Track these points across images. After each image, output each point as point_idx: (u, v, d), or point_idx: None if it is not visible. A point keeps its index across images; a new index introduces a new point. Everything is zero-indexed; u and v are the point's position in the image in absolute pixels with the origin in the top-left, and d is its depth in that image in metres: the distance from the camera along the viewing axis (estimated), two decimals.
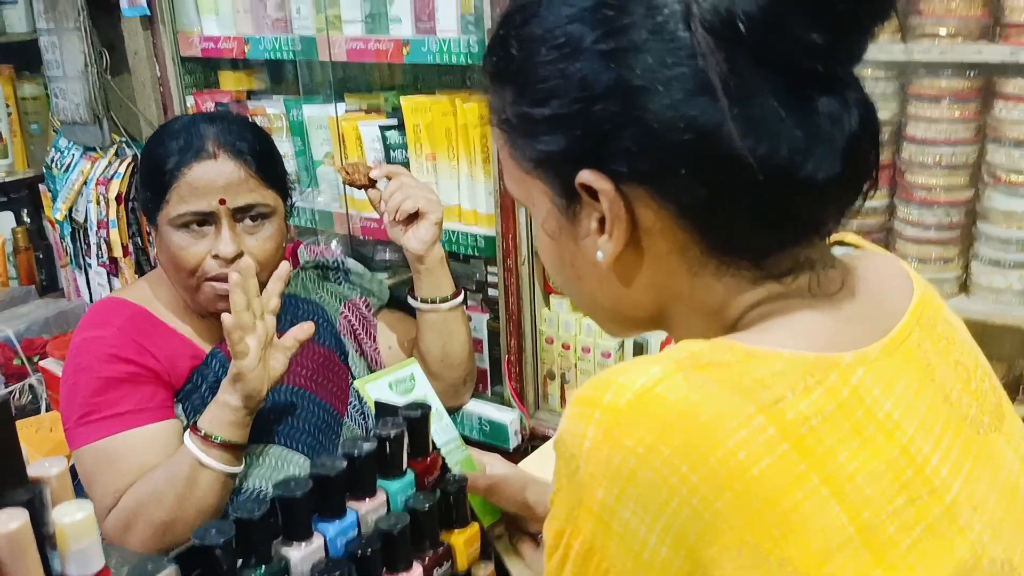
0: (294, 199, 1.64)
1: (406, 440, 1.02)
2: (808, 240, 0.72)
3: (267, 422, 1.55)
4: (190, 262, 1.49)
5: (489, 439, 2.10)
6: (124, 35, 2.65)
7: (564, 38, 0.68)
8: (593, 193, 0.69)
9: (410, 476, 1.03)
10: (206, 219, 1.48)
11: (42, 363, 2.81)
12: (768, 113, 0.64)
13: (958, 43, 1.55)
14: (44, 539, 0.63)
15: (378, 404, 1.10)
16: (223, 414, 1.39)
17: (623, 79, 0.65)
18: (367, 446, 0.97)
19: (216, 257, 1.48)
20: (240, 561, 0.85)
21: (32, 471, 0.64)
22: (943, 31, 1.54)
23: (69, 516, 0.63)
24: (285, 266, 1.44)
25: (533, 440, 2.10)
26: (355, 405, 1.67)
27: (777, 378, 0.63)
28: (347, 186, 1.66)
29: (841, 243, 0.85)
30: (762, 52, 0.63)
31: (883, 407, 0.66)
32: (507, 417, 2.11)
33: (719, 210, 0.67)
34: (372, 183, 1.65)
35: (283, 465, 1.54)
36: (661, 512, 0.60)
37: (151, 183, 1.53)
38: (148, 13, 2.49)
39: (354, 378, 1.67)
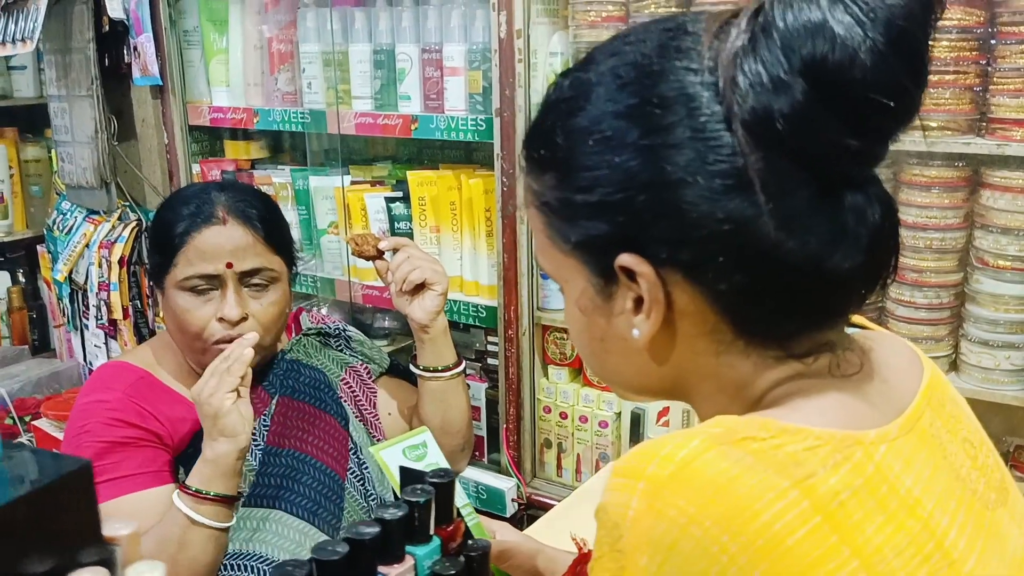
0: (299, 267, 1.69)
1: (433, 506, 1.05)
2: (830, 325, 0.77)
3: (269, 487, 1.56)
4: (195, 325, 1.52)
5: (486, 506, 2.12)
6: (133, 103, 2.71)
7: (610, 132, 0.72)
8: (631, 275, 0.73)
9: (436, 542, 1.06)
10: (212, 282, 1.52)
11: (35, 423, 2.81)
12: (801, 208, 0.68)
13: (947, 135, 1.63)
14: None
15: (403, 470, 1.14)
16: (212, 468, 1.39)
17: (665, 173, 0.70)
18: (398, 512, 1.00)
19: (221, 320, 1.52)
20: None
21: (106, 531, 0.68)
22: (933, 124, 1.62)
23: (140, 574, 0.67)
24: (252, 334, 1.47)
25: (529, 508, 2.13)
26: (354, 471, 1.69)
27: (808, 454, 0.66)
28: (355, 256, 1.70)
29: (849, 324, 0.90)
30: (797, 152, 0.67)
31: (904, 483, 0.70)
32: (504, 485, 2.13)
33: (751, 296, 0.71)
34: (380, 254, 1.69)
35: (285, 531, 1.55)
36: None
37: (160, 247, 1.56)
38: (160, 83, 2.56)
39: (354, 444, 1.69)
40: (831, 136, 0.67)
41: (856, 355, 0.78)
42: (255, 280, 1.54)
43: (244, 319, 1.53)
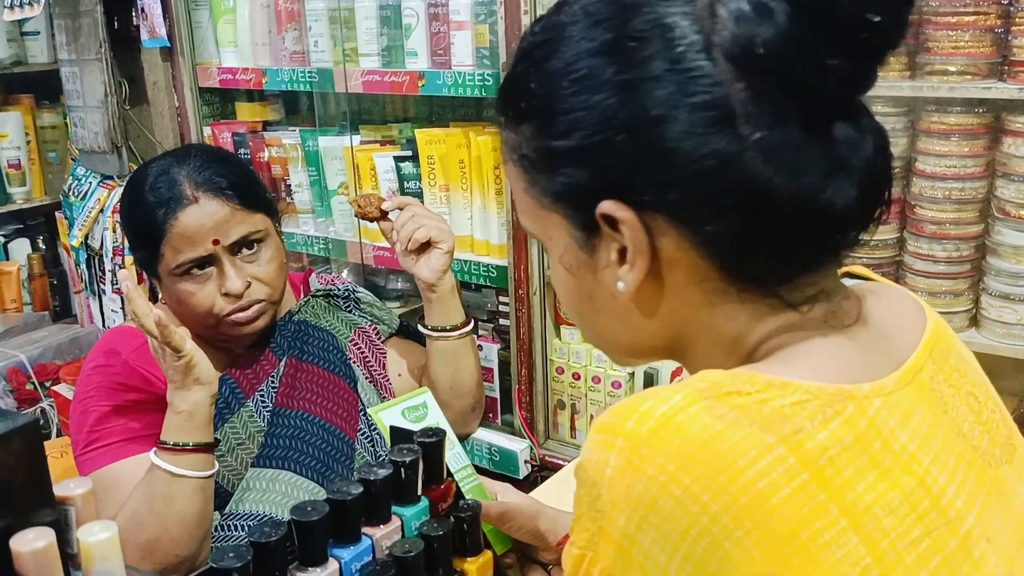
0: (281, 211, 1.66)
1: (421, 466, 1.03)
2: (825, 267, 0.72)
3: (278, 448, 1.56)
4: (203, 305, 1.51)
5: (499, 468, 2.11)
6: (144, 66, 2.69)
7: (585, 70, 0.69)
8: (613, 224, 0.70)
9: (424, 503, 1.04)
10: (205, 262, 1.50)
11: (54, 388, 2.83)
12: (789, 141, 0.65)
13: (967, 80, 1.57)
14: (68, 558, 0.64)
15: (393, 429, 1.12)
16: (188, 419, 1.37)
17: (644, 109, 0.66)
18: (383, 472, 0.98)
19: (227, 295, 1.51)
20: None
21: (58, 491, 0.66)
22: (952, 68, 1.56)
23: (93, 536, 0.65)
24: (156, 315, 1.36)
25: (543, 470, 2.11)
26: (364, 432, 1.68)
27: (796, 408, 0.63)
28: (359, 218, 1.68)
29: (850, 275, 0.86)
30: (782, 80, 0.64)
31: (899, 439, 0.66)
32: (517, 446, 2.11)
33: (740, 238, 0.68)
34: (384, 215, 1.67)
35: (294, 492, 1.55)
36: (681, 540, 0.60)
37: (141, 241, 1.54)
38: (168, 45, 2.53)
39: (363, 404, 1.69)
40: (818, 59, 0.63)
41: (853, 305, 0.74)
42: (245, 246, 1.53)
43: (248, 286, 1.52)
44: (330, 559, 0.94)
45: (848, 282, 0.82)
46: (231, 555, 0.83)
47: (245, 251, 1.53)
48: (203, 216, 1.49)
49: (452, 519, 1.05)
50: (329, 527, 0.93)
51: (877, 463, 0.64)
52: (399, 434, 1.10)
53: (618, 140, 0.68)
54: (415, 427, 1.28)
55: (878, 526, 0.62)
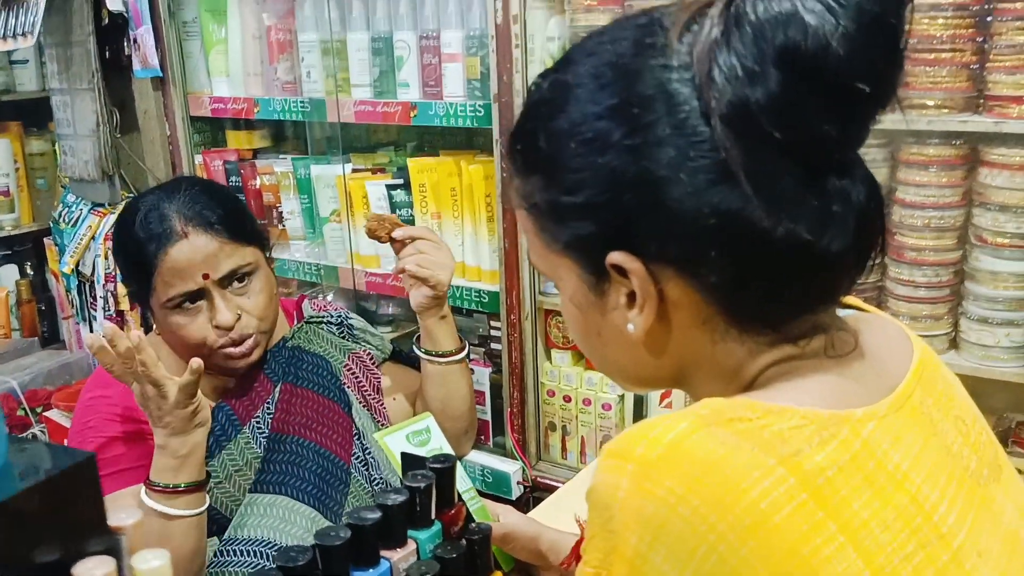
0: (272, 243, 1.69)
1: (434, 491, 1.07)
2: (822, 308, 0.77)
3: (275, 474, 1.58)
4: (195, 337, 1.53)
5: (492, 489, 2.15)
6: (135, 95, 2.73)
7: (591, 133, 0.73)
8: (622, 271, 0.74)
9: (437, 526, 1.08)
10: (196, 296, 1.53)
11: (46, 414, 2.84)
12: (786, 196, 0.69)
13: (944, 113, 1.63)
14: None
15: (404, 456, 1.15)
16: (182, 460, 1.40)
17: (649, 171, 0.70)
18: (399, 497, 1.02)
19: (218, 327, 1.54)
20: None
21: (111, 521, 0.69)
22: (930, 102, 1.63)
23: (147, 563, 0.68)
24: (195, 361, 1.42)
25: (535, 490, 2.15)
26: (358, 456, 1.70)
27: (794, 432, 0.68)
28: (368, 237, 1.70)
29: (844, 305, 0.91)
30: (777, 141, 0.68)
31: (892, 459, 0.71)
32: (510, 468, 2.15)
33: (742, 285, 0.72)
34: (393, 240, 1.69)
35: (292, 516, 1.56)
36: (690, 558, 0.64)
37: (133, 275, 1.56)
38: (161, 75, 2.57)
39: (358, 429, 1.71)
40: (810, 124, 0.68)
41: (849, 336, 0.79)
42: (236, 280, 1.55)
43: (239, 319, 1.54)
44: None
45: (841, 312, 0.87)
46: None
47: (235, 284, 1.55)
48: (192, 251, 1.51)
49: (464, 542, 1.08)
50: (350, 552, 0.97)
51: (872, 482, 0.69)
52: (411, 460, 1.14)
53: (624, 198, 0.72)
54: (419, 451, 1.32)
55: (874, 541, 0.66)
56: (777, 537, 0.64)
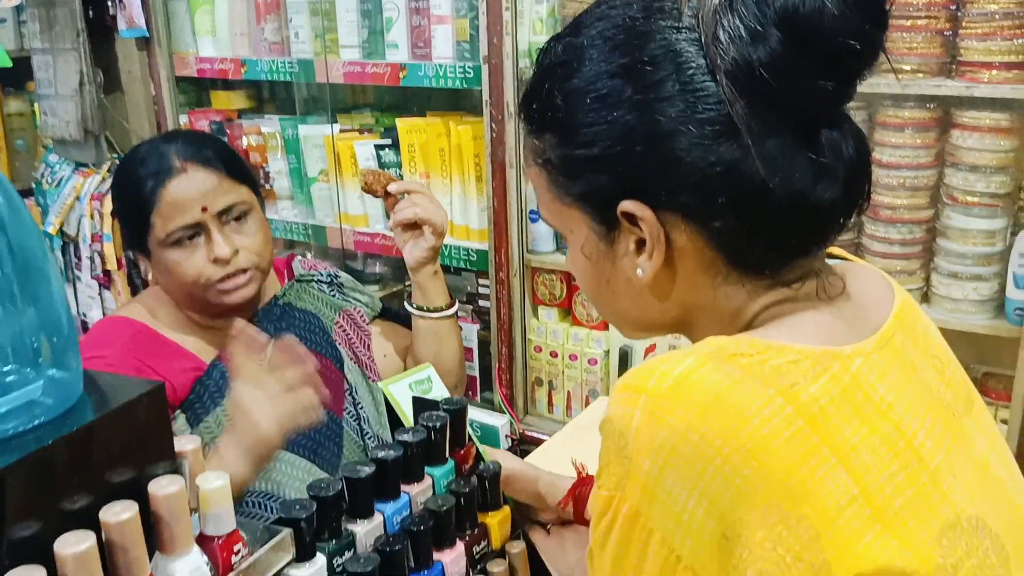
0: (263, 194, 1.73)
1: (448, 431, 1.14)
2: (815, 253, 0.85)
3: None
4: (191, 273, 1.56)
5: (481, 443, 2.19)
6: (119, 55, 2.73)
7: (605, 90, 0.79)
8: (632, 219, 0.81)
9: (451, 463, 1.15)
10: (194, 231, 1.56)
11: None
12: (784, 148, 0.76)
13: (919, 78, 1.71)
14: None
15: (415, 400, 1.22)
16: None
17: (659, 125, 0.77)
18: (417, 436, 1.09)
19: (216, 261, 1.57)
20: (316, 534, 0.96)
21: (176, 445, 0.75)
22: (906, 67, 1.70)
23: (210, 483, 0.74)
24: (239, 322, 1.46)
25: (523, 444, 2.22)
26: (349, 411, 1.75)
27: (791, 366, 0.75)
28: (363, 191, 1.74)
29: (830, 255, 0.99)
30: (777, 96, 0.75)
31: (878, 391, 0.78)
32: (498, 422, 2.21)
33: (743, 231, 0.79)
34: (388, 194, 1.74)
35: (290, 470, 1.60)
36: (699, 480, 0.71)
37: (131, 214, 1.59)
38: (147, 35, 2.58)
39: (350, 384, 1.76)
40: (806, 80, 0.74)
41: (838, 281, 0.86)
42: (232, 215, 1.58)
43: (236, 253, 1.58)
44: (375, 512, 1.04)
45: (828, 261, 0.95)
46: (297, 507, 0.93)
47: (233, 222, 1.59)
48: (191, 185, 1.55)
49: (475, 478, 1.15)
50: (374, 485, 1.04)
51: (860, 411, 0.76)
52: (422, 404, 1.20)
53: (636, 151, 0.78)
54: (428, 398, 1.38)
55: (862, 463, 0.74)
56: (776, 459, 0.71)
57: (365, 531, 1.02)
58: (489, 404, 2.28)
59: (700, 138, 0.76)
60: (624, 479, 0.75)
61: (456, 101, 2.41)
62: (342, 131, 2.42)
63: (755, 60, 0.74)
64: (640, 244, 0.82)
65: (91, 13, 2.65)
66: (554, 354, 2.20)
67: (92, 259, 2.75)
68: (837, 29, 0.73)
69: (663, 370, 0.75)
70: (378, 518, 1.04)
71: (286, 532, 0.80)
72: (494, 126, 2.06)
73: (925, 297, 1.84)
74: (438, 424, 1.12)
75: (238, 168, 1.63)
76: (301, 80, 2.44)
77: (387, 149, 2.30)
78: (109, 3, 2.61)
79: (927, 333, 0.91)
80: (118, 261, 2.71)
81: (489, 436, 2.22)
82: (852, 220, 0.84)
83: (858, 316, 0.84)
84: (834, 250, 0.97)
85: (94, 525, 0.67)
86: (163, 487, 0.70)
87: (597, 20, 0.83)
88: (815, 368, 0.76)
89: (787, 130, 0.76)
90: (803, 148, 0.77)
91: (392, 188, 1.69)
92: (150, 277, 1.66)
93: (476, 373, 2.31)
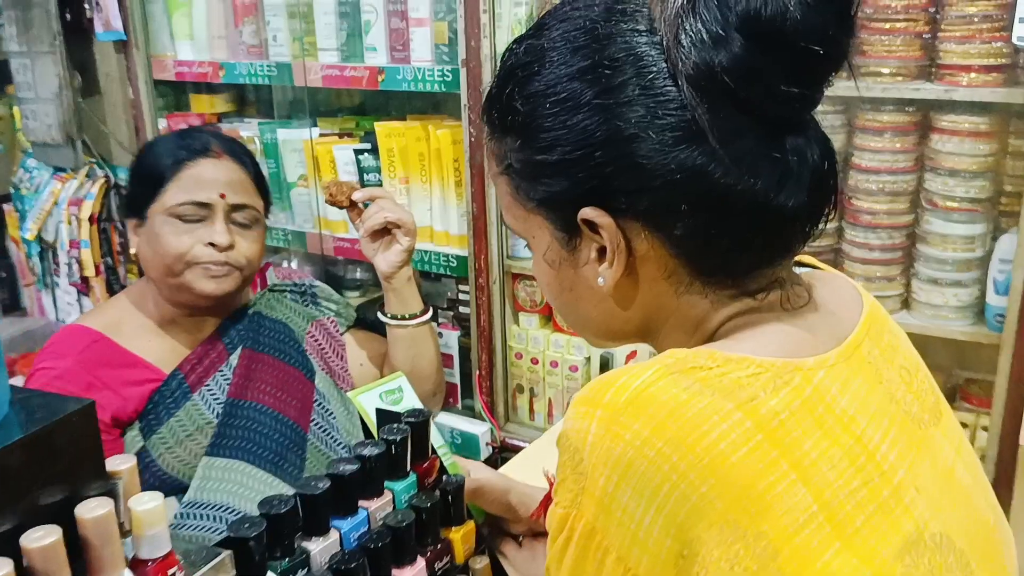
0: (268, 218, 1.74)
1: (409, 444, 1.11)
2: (779, 262, 0.83)
3: (231, 438, 1.59)
4: (179, 248, 1.55)
5: (461, 451, 2.19)
6: (97, 58, 2.70)
7: (565, 94, 0.77)
8: (593, 227, 0.79)
9: (413, 477, 1.12)
10: (202, 211, 1.56)
11: (9, 381, 2.82)
12: (747, 153, 0.74)
13: (898, 81, 1.69)
14: (118, 526, 0.71)
15: (379, 411, 1.19)
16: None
17: (619, 129, 0.75)
18: (376, 449, 1.06)
19: (210, 245, 1.56)
20: (267, 553, 0.93)
21: (109, 465, 0.73)
22: (885, 70, 1.68)
23: (143, 504, 0.72)
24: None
25: (504, 451, 2.19)
26: (318, 422, 1.73)
27: (751, 380, 0.73)
28: (328, 204, 1.74)
29: (799, 263, 0.97)
30: (739, 101, 0.73)
31: (840, 403, 0.76)
32: (478, 429, 2.20)
33: (705, 238, 0.77)
34: (353, 204, 1.73)
35: (248, 481, 1.57)
36: (655, 496, 0.69)
37: (147, 176, 1.60)
38: (124, 38, 2.55)
39: (320, 394, 1.73)
40: (769, 84, 0.72)
41: (803, 290, 0.84)
42: (241, 217, 1.60)
43: (231, 248, 1.57)
44: (331, 529, 1.01)
45: (797, 270, 0.93)
46: (247, 525, 0.90)
47: (239, 222, 1.60)
48: (220, 170, 1.59)
49: (438, 492, 1.13)
50: (330, 501, 1.01)
51: (821, 424, 0.74)
52: (385, 415, 1.18)
53: (595, 156, 0.76)
54: (394, 409, 1.36)
55: (822, 478, 0.72)
56: (734, 475, 0.69)
57: (320, 548, 0.99)
58: (470, 411, 2.26)
59: (661, 143, 0.74)
60: (579, 495, 0.73)
61: (436, 104, 2.39)
62: (322, 135, 2.40)
63: (717, 64, 0.72)
64: (601, 252, 0.80)
65: (68, 15, 2.63)
66: (535, 361, 2.18)
67: (70, 265, 2.72)
68: (800, 33, 0.71)
69: (621, 383, 0.73)
70: (334, 535, 1.01)
71: (225, 554, 0.77)
72: (472, 130, 2.03)
73: (905, 303, 1.81)
74: (398, 437, 1.09)
75: (262, 180, 1.67)
76: (279, 83, 2.42)
77: (366, 154, 2.28)
78: (86, 5, 2.59)
79: (895, 342, 0.89)
80: (96, 267, 2.68)
81: (469, 444, 2.20)
82: (819, 228, 0.82)
83: (824, 325, 0.83)
84: (803, 258, 0.96)
85: (17, 552, 0.64)
86: (91, 510, 0.67)
87: (559, 22, 0.81)
88: (775, 381, 0.74)
89: (750, 135, 0.74)
90: (767, 154, 0.75)
91: (356, 196, 1.68)
92: (132, 251, 1.65)
93: (457, 380, 2.29)
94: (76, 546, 0.67)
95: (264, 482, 1.58)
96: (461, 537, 1.15)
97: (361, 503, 1.06)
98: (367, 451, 1.06)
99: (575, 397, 0.76)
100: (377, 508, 1.07)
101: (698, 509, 0.68)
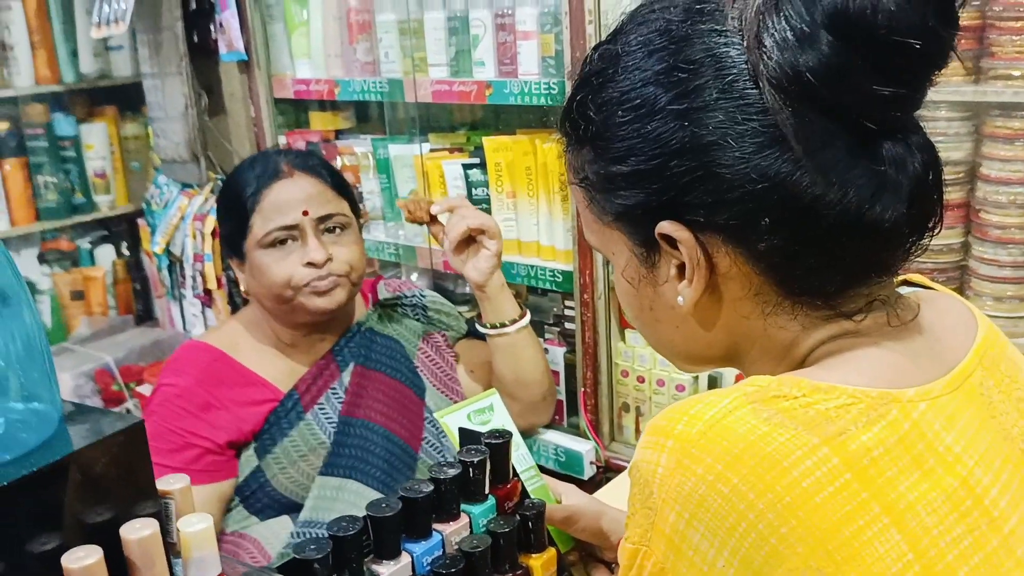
0: (363, 220, 1.74)
1: (488, 466, 1.08)
2: (877, 279, 0.75)
3: (343, 457, 1.61)
4: (282, 275, 1.57)
5: (564, 469, 2.15)
6: (221, 78, 2.80)
7: (639, 100, 0.73)
8: (672, 242, 0.74)
9: (491, 501, 1.09)
10: (292, 233, 1.57)
11: (138, 389, 2.95)
12: (837, 161, 0.68)
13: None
14: (169, 547, 0.71)
15: (461, 431, 1.17)
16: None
17: (697, 136, 0.70)
18: (452, 471, 1.03)
19: (309, 265, 1.57)
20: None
21: (160, 485, 0.72)
22: (1016, 72, 1.55)
23: (192, 526, 0.71)
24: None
25: (608, 471, 2.14)
26: (429, 441, 1.72)
27: (841, 411, 0.66)
28: (409, 223, 1.72)
29: (908, 283, 0.89)
30: (827, 104, 0.67)
31: (944, 440, 0.69)
32: (582, 447, 2.15)
33: (792, 254, 0.71)
34: (433, 219, 1.71)
35: (359, 500, 1.58)
36: (729, 536, 0.63)
37: (232, 215, 1.63)
38: (245, 58, 2.63)
39: (429, 413, 1.73)
40: (861, 85, 0.66)
41: (908, 313, 0.77)
42: (331, 225, 1.61)
43: (329, 260, 1.58)
44: (403, 553, 0.99)
45: (905, 290, 0.85)
46: (312, 547, 0.89)
47: (330, 232, 1.61)
48: (296, 188, 1.60)
49: (518, 517, 1.09)
50: (402, 523, 0.99)
51: (920, 463, 0.67)
52: (467, 435, 1.15)
53: (671, 165, 0.71)
54: (482, 429, 1.33)
55: (920, 524, 0.65)
56: (818, 517, 0.63)
57: (391, 572, 0.97)
58: (575, 429, 2.21)
59: (742, 150, 0.69)
60: (649, 531, 0.68)
61: (544, 118, 2.36)
62: (432, 150, 2.41)
63: (803, 65, 0.66)
64: (681, 269, 0.75)
65: (196, 37, 2.73)
66: (641, 379, 2.12)
67: (194, 278, 2.82)
68: (894, 27, 0.65)
69: (694, 412, 0.68)
70: (406, 559, 0.99)
71: None
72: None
73: None
74: (476, 459, 1.06)
75: (341, 182, 1.68)
76: (390, 99, 2.44)
77: (475, 168, 2.27)
78: (212, 27, 2.68)
79: (1014, 372, 0.80)
80: (218, 280, 2.76)
81: (573, 462, 2.15)
82: (922, 245, 0.75)
83: (929, 353, 0.75)
84: (912, 277, 0.88)
85: (60, 572, 0.64)
86: (136, 531, 0.67)
87: (637, 25, 0.76)
88: (869, 414, 0.67)
89: (840, 142, 0.68)
90: (859, 162, 0.68)
91: (434, 210, 1.66)
92: (242, 288, 1.68)
93: (563, 397, 2.24)
94: (120, 567, 0.67)
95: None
96: (541, 564, 1.12)
97: (436, 526, 1.03)
98: (443, 473, 1.04)
99: (648, 424, 0.71)
100: (452, 532, 1.04)
101: (776, 553, 0.63)
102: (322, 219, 1.60)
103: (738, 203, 0.70)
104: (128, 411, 2.95)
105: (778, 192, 0.69)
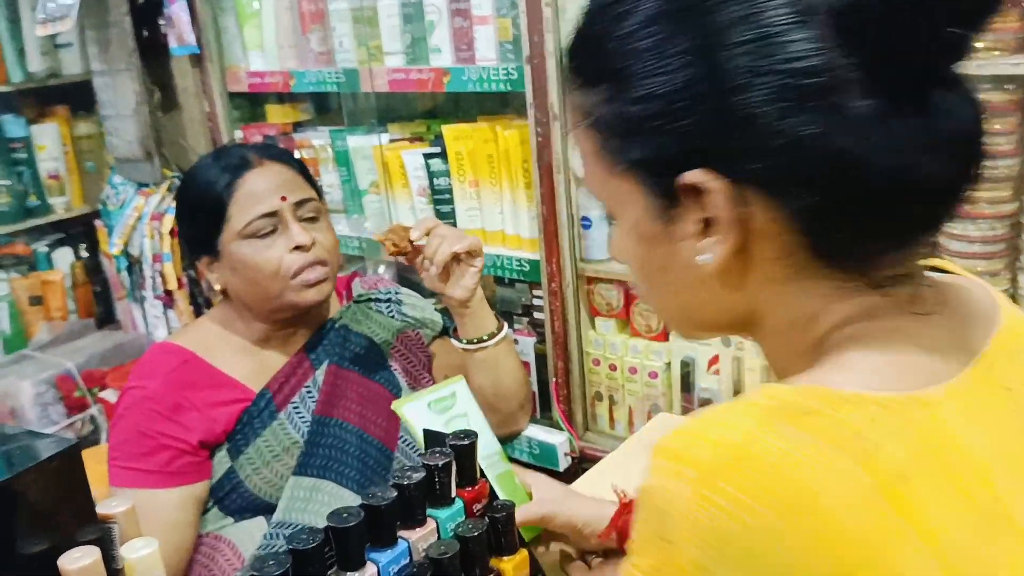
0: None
1: (454, 468, 1.04)
2: (916, 241, 0.69)
3: (317, 457, 1.57)
4: (269, 266, 1.53)
5: (539, 461, 2.12)
6: (174, 73, 2.73)
7: (666, 33, 0.65)
8: (697, 194, 0.66)
9: (459, 504, 1.05)
10: (272, 221, 1.54)
11: (101, 394, 2.88)
12: (883, 111, 0.62)
13: (995, 56, 1.54)
14: (114, 574, 0.66)
15: (426, 433, 1.13)
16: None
17: (728, 75, 0.63)
18: (416, 475, 1.00)
19: (296, 249, 1.53)
20: None
21: (101, 509, 0.68)
22: (979, 44, 1.53)
23: (136, 552, 0.67)
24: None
25: (583, 461, 2.11)
26: (406, 440, 1.68)
27: (872, 426, 0.61)
28: (393, 257, 1.64)
29: (932, 268, 0.83)
30: (878, 46, 0.61)
31: (972, 447, 0.64)
32: (556, 439, 2.12)
33: (833, 211, 0.64)
34: (415, 247, 1.62)
35: (333, 502, 1.53)
36: (757, 571, 0.58)
37: (201, 212, 1.57)
38: (197, 51, 2.56)
39: None
40: (917, 24, 0.60)
41: (933, 294, 0.71)
42: (307, 212, 1.59)
43: (314, 243, 1.55)
44: (368, 563, 0.95)
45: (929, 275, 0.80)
46: (271, 563, 0.85)
47: (307, 220, 1.59)
48: (269, 176, 1.57)
49: (487, 519, 1.06)
50: (366, 532, 0.95)
51: (952, 475, 0.62)
52: (432, 437, 1.11)
53: (703, 107, 0.64)
54: (442, 418, 1.29)
55: (954, 548, 0.61)
56: (855, 550, 0.58)
57: None
58: (548, 420, 2.18)
59: (779, 93, 0.61)
60: (665, 565, 0.62)
61: (504, 104, 2.32)
62: (392, 141, 2.36)
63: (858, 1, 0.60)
64: (705, 224, 0.67)
65: (145, 32, 2.66)
66: (613, 367, 2.09)
67: (154, 279, 2.75)
68: None
69: (715, 437, 0.61)
70: (371, 569, 0.95)
71: None
72: (539, 129, 1.96)
73: (1013, 299, 1.66)
74: (441, 463, 1.02)
75: (307, 171, 1.67)
76: (347, 90, 2.39)
77: (435, 158, 2.23)
78: (161, 21, 2.61)
79: None
80: (178, 280, 2.71)
81: (548, 454, 2.13)
82: (961, 203, 0.69)
83: (951, 341, 0.69)
84: (936, 261, 0.81)
85: None
86: (75, 560, 0.63)
87: None
88: (898, 422, 0.62)
89: (890, 89, 0.61)
90: (908, 112, 0.62)
91: (413, 236, 1.57)
92: (217, 287, 1.63)
93: (535, 388, 2.21)
94: None
95: (350, 502, 1.55)
96: (513, 567, 1.08)
97: (401, 534, 0.99)
98: (406, 478, 1.00)
99: (658, 446, 0.63)
100: (419, 539, 1.00)
101: None
102: (299, 204, 1.57)
103: (775, 152, 0.62)
104: (92, 418, 2.89)
105: (820, 142, 0.61)
